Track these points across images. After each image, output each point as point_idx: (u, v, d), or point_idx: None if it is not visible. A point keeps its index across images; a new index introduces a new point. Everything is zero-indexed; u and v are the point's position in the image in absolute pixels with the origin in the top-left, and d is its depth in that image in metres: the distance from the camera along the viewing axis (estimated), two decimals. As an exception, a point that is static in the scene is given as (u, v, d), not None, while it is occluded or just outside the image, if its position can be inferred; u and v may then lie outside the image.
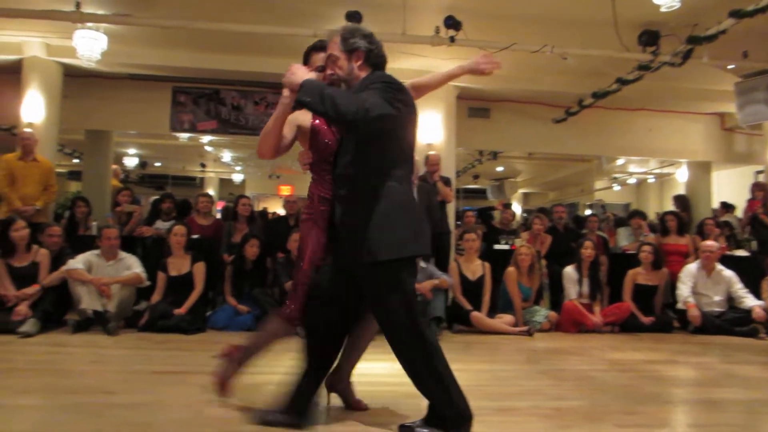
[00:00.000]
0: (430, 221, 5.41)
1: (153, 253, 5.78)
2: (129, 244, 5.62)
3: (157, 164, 15.47)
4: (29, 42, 6.82)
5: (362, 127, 2.11)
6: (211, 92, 7.99)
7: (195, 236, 5.58)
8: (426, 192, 5.59)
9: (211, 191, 14.96)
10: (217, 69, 7.20)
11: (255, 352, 2.63)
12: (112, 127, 8.70)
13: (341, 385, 2.63)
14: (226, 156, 13.49)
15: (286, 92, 2.26)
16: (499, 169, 14.45)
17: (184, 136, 9.69)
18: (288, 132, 2.43)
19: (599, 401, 2.93)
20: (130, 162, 13.91)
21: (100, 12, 5.69)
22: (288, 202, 6.53)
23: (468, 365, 3.71)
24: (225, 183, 16.58)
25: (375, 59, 2.32)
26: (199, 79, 7.81)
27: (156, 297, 5.00)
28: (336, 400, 2.65)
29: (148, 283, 5.01)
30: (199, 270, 5.09)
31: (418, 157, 5.99)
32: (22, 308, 4.48)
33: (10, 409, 2.48)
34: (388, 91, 2.15)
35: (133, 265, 4.97)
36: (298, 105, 2.25)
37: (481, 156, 12.05)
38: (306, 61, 2.56)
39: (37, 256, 4.82)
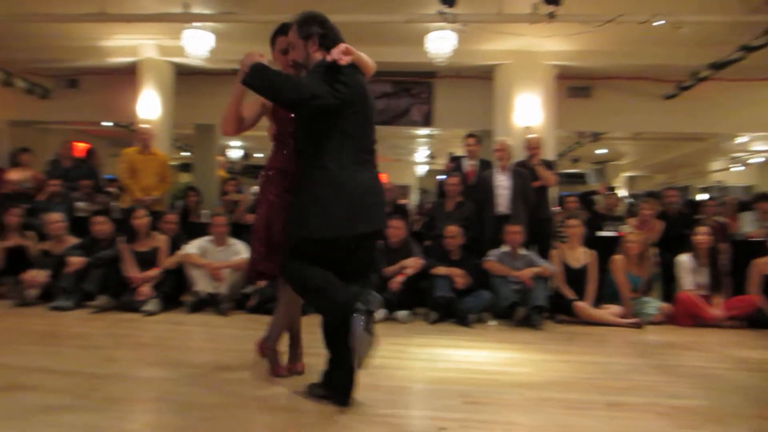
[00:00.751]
0: (524, 207, 5.30)
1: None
2: (236, 230, 5.93)
3: (259, 155, 16.19)
4: (143, 44, 7.34)
5: (300, 107, 2.30)
6: (307, 84, 8.24)
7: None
8: (521, 177, 5.43)
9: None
10: (314, 61, 7.38)
11: (280, 331, 2.92)
12: (219, 121, 9.19)
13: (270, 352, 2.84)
14: (324, 145, 13.81)
15: (240, 75, 2.40)
16: (601, 151, 13.72)
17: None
18: (250, 110, 2.64)
19: (726, 402, 2.68)
20: (234, 154, 14.67)
21: (206, 12, 6.00)
22: (387, 190, 6.60)
23: (574, 356, 3.58)
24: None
25: (329, 43, 2.42)
26: (297, 72, 8.05)
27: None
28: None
29: (256, 268, 5.25)
30: (302, 255, 5.26)
31: (513, 141, 5.86)
32: (145, 289, 4.87)
33: (139, 380, 2.70)
34: (328, 73, 2.30)
35: (241, 251, 5.23)
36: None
37: (581, 138, 11.50)
38: (272, 45, 2.73)
39: (157, 242, 5.20)
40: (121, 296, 4.86)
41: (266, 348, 2.89)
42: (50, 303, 4.77)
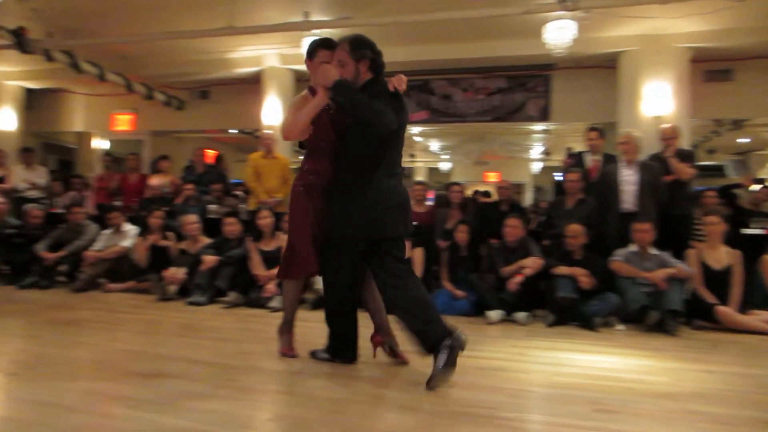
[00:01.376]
0: (653, 204, 4.91)
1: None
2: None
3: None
4: (266, 54, 7.76)
5: (373, 128, 2.57)
6: (421, 83, 8.24)
7: (414, 223, 5.80)
8: (650, 171, 5.04)
9: (415, 180, 15.51)
10: (426, 60, 7.38)
11: (291, 319, 3.16)
12: (335, 124, 9.49)
13: (387, 338, 3.01)
14: (434, 145, 13.84)
15: (321, 90, 2.65)
16: (743, 140, 12.42)
17: (396, 128, 10.13)
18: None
19: None
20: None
21: (325, 18, 6.21)
22: (500, 188, 6.43)
23: (719, 366, 3.25)
24: (433, 172, 17.06)
25: (378, 68, 2.77)
26: (410, 72, 8.05)
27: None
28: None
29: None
30: (417, 255, 5.28)
31: (640, 133, 5.45)
32: (271, 287, 5.12)
33: (270, 372, 2.83)
34: (392, 100, 2.63)
35: (358, 250, 5.35)
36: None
37: (718, 127, 10.47)
38: (311, 55, 2.88)
39: (281, 241, 5.46)
40: (249, 293, 5.16)
41: (379, 339, 3.05)
42: (187, 298, 5.18)
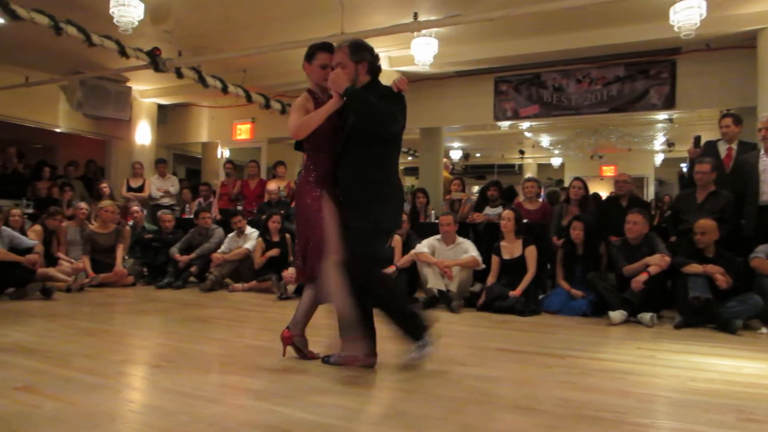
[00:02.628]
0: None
1: (484, 238, 6.08)
2: (462, 229, 6.02)
3: (477, 155, 16.33)
4: (375, 57, 7.91)
5: (385, 130, 2.71)
6: (531, 77, 7.99)
7: (525, 221, 5.65)
8: (740, 162, 4.54)
9: (526, 176, 15.07)
10: (537, 52, 7.15)
11: (305, 321, 3.06)
12: (443, 123, 9.45)
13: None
14: (545, 141, 13.37)
15: (335, 95, 2.76)
16: None
17: (504, 124, 9.93)
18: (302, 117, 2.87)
19: None
20: (455, 155, 15.00)
21: (433, 18, 6.21)
22: (619, 182, 6.07)
23: None
24: (543, 168, 16.50)
25: (376, 70, 2.88)
26: (520, 66, 7.89)
27: (491, 279, 5.23)
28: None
29: (483, 266, 5.28)
30: (531, 253, 5.13)
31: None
32: (383, 286, 5.22)
33: (387, 369, 2.87)
34: (397, 102, 2.73)
35: (469, 249, 5.30)
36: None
37: None
38: (310, 58, 2.98)
39: (392, 242, 5.55)
40: (362, 291, 5.28)
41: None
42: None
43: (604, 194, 11.15)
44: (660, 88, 7.34)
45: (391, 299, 2.87)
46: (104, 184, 8.56)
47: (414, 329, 2.76)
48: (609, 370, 2.93)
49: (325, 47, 2.98)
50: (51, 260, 6.04)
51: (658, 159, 13.94)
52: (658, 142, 12.38)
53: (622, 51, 7.05)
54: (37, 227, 6.15)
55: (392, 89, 2.77)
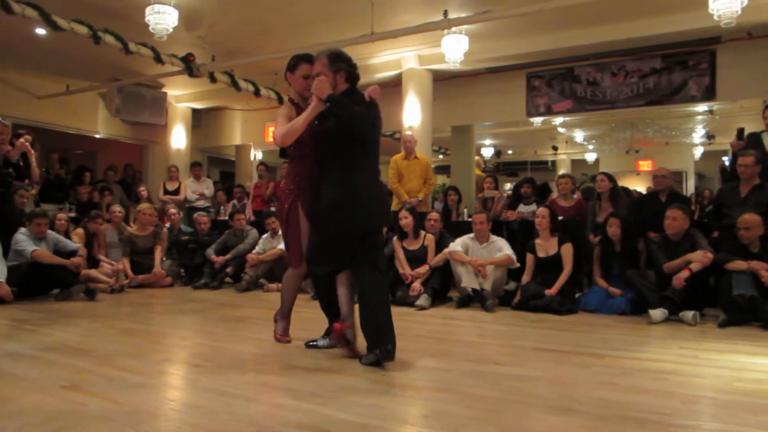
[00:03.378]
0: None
1: (518, 236, 6.01)
2: (495, 227, 5.96)
3: (509, 152, 16.14)
4: (406, 56, 7.90)
5: (363, 135, 2.93)
6: (564, 71, 7.87)
7: (560, 218, 5.56)
8: None
9: (560, 173, 14.82)
10: (570, 46, 7.03)
11: (288, 307, 3.42)
12: (474, 121, 9.38)
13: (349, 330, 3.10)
14: (579, 136, 13.13)
15: (316, 100, 2.89)
16: None
17: (537, 120, 9.80)
18: (285, 125, 3.03)
19: None
20: (487, 152, 14.87)
21: (463, 15, 6.16)
22: (658, 177, 5.91)
23: None
24: (577, 164, 16.20)
25: (354, 78, 3.05)
26: (552, 61, 7.77)
27: (526, 277, 5.16)
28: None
29: (518, 264, 5.21)
30: (567, 251, 5.05)
31: None
32: (416, 285, 5.20)
33: (423, 369, 2.86)
34: (370, 109, 2.97)
35: (503, 248, 5.24)
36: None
37: None
38: (293, 68, 3.18)
39: (425, 241, 5.53)
40: (395, 292, 5.28)
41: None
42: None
43: (640, 189, 10.94)
44: (699, 79, 7.13)
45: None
46: (142, 188, 8.78)
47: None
48: (651, 370, 2.86)
49: (307, 58, 3.17)
50: (93, 262, 6.22)
51: (698, 152, 13.55)
52: (698, 134, 12.03)
53: (658, 42, 6.87)
54: (80, 230, 6.34)
55: (365, 98, 2.97)
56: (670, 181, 5.88)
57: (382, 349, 2.78)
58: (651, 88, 7.40)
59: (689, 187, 13.37)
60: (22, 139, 6.18)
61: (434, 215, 5.86)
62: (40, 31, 6.83)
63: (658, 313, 4.29)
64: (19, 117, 8.73)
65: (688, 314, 4.23)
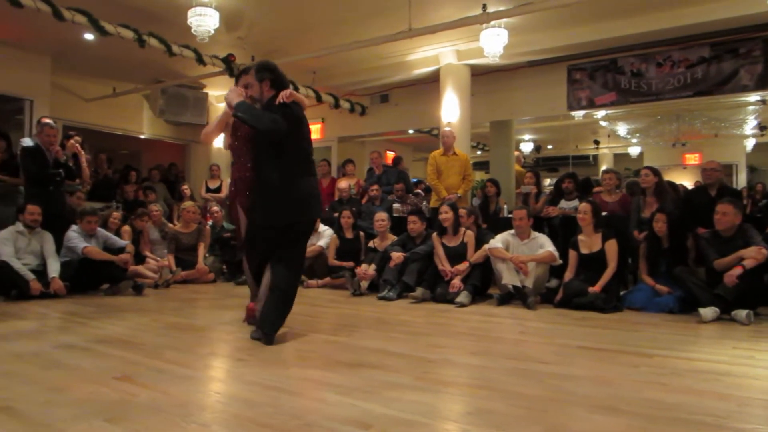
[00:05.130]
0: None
1: (560, 232, 5.90)
2: (536, 223, 5.87)
3: (549, 147, 15.84)
4: (443, 52, 7.84)
5: (272, 135, 3.21)
6: (607, 63, 7.66)
7: (604, 213, 5.43)
8: None
9: (605, 167, 14.45)
10: (613, 37, 6.84)
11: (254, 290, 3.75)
12: (514, 116, 9.24)
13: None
14: (622, 129, 12.78)
15: (226, 107, 3.39)
16: None
17: (578, 114, 9.59)
18: (219, 128, 3.76)
19: None
20: (526, 147, 14.63)
21: (502, 8, 6.07)
22: (707, 171, 5.70)
23: None
24: (620, 158, 15.78)
25: (279, 85, 3.38)
26: (594, 52, 7.57)
27: (569, 275, 5.07)
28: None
29: (560, 261, 5.12)
30: (612, 247, 4.93)
31: None
32: (456, 282, 5.17)
33: (464, 366, 2.84)
34: (281, 110, 3.25)
35: (545, 244, 5.15)
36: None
37: None
38: (237, 79, 3.64)
39: (465, 237, 5.48)
40: (435, 288, 5.26)
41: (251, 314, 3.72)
42: (377, 293, 5.44)
43: (687, 184, 10.57)
44: (751, 67, 6.82)
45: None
46: (185, 186, 8.98)
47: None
48: (702, 370, 2.76)
49: (246, 71, 3.60)
50: (139, 258, 6.41)
51: (749, 144, 13.01)
52: (749, 125, 11.54)
53: (706, 30, 6.62)
54: (127, 228, 6.55)
55: (282, 102, 3.29)
56: (720, 175, 5.67)
57: (263, 332, 3.26)
58: (699, 78, 7.13)
59: (740, 181, 12.86)
60: (72, 141, 6.41)
61: (381, 215, 6.11)
62: (89, 36, 7.06)
63: (708, 312, 4.15)
64: (69, 119, 9.06)
65: (741, 313, 4.07)
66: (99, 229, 5.74)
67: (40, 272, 5.18)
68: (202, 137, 3.84)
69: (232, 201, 3.79)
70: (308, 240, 3.80)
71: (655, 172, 5.63)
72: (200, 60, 7.26)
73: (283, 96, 3.30)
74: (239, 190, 3.67)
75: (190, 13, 5.91)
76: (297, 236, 3.44)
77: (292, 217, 3.34)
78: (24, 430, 1.86)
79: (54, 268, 5.20)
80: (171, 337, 3.49)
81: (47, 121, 5.97)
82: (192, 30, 5.97)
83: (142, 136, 10.80)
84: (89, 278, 5.52)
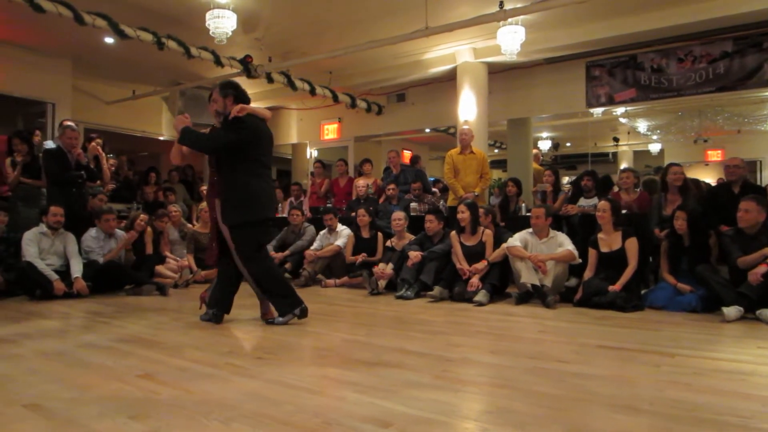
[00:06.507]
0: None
1: (579, 230, 5.84)
2: (555, 222, 5.81)
3: (568, 144, 15.68)
4: (460, 50, 7.81)
5: (215, 150, 3.82)
6: (627, 59, 7.57)
7: (624, 211, 5.37)
8: None
9: (624, 165, 14.27)
10: (632, 33, 6.76)
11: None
12: (532, 114, 9.18)
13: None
14: (642, 126, 12.62)
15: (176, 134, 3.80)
16: None
17: (597, 111, 9.48)
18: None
19: None
20: (544, 145, 14.51)
21: (519, 5, 6.04)
22: (730, 168, 5.60)
23: None
24: (640, 155, 15.56)
25: (239, 100, 3.82)
26: (613, 48, 7.49)
27: (588, 273, 5.01)
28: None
29: (579, 260, 5.07)
30: (632, 246, 4.87)
31: None
32: (475, 280, 5.15)
33: (484, 365, 2.83)
34: (234, 124, 3.73)
35: (564, 242, 5.11)
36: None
37: None
38: (209, 99, 3.94)
39: (483, 236, 5.46)
40: (453, 287, 5.25)
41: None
42: (395, 293, 5.44)
43: (709, 181, 10.40)
44: (776, 60, 6.70)
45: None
46: (204, 187, 9.06)
47: (292, 304, 3.90)
48: (726, 370, 2.72)
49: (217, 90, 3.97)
50: (160, 258, 6.49)
51: (774, 140, 12.76)
52: (773, 121, 11.33)
53: (729, 24, 6.51)
54: (148, 228, 6.63)
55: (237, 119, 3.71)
56: (744, 171, 5.56)
57: (214, 312, 3.98)
58: (722, 73, 7.01)
59: (764, 178, 12.61)
60: (93, 143, 6.51)
61: (399, 214, 6.10)
62: (109, 39, 7.17)
63: (732, 311, 4.08)
64: (90, 121, 9.21)
65: (766, 312, 4.00)
66: (117, 230, 5.84)
67: (64, 272, 5.28)
68: (171, 157, 4.17)
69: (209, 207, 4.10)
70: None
71: (681, 170, 5.54)
72: (218, 62, 7.33)
73: (234, 110, 3.73)
74: (210, 195, 4.02)
75: (208, 15, 5.97)
76: (234, 234, 3.87)
77: (231, 219, 3.80)
78: (51, 427, 1.89)
79: (77, 269, 5.29)
80: (191, 336, 3.53)
81: (69, 123, 6.08)
82: (210, 32, 6.03)
83: (161, 138, 10.93)
84: (112, 280, 5.60)
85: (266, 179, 3.90)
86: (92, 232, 5.72)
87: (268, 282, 3.90)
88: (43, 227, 5.36)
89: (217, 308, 4.01)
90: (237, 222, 3.77)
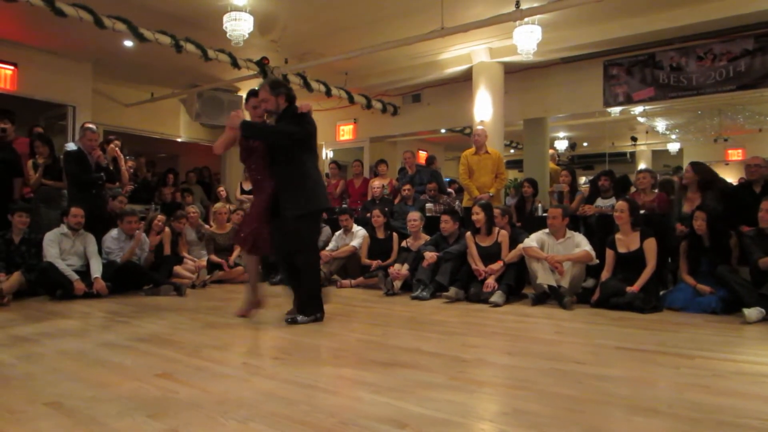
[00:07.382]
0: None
1: (596, 231, 5.79)
2: (572, 222, 5.77)
3: (585, 144, 15.54)
4: (476, 50, 7.79)
5: (280, 141, 3.87)
6: (645, 58, 7.48)
7: (642, 212, 5.31)
8: None
9: (642, 165, 14.10)
10: (651, 31, 6.69)
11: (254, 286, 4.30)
12: (548, 113, 9.11)
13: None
14: (661, 125, 12.47)
15: (229, 129, 3.88)
16: None
17: (615, 110, 9.39)
18: (231, 140, 4.01)
19: None
20: (560, 145, 14.39)
21: (536, 4, 6.00)
22: (751, 167, 5.51)
23: None
24: (658, 155, 15.36)
25: (290, 97, 3.95)
26: (631, 47, 7.41)
27: (606, 274, 4.97)
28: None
29: (597, 261, 5.03)
30: (650, 246, 4.81)
31: None
32: (490, 281, 5.13)
33: (499, 366, 2.82)
34: (299, 118, 3.87)
35: (581, 243, 5.07)
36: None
37: None
38: (246, 101, 4.19)
39: (499, 237, 5.43)
40: (469, 288, 5.23)
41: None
42: (411, 293, 5.44)
43: (730, 180, 10.23)
44: (798, 59, 6.58)
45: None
46: (221, 188, 9.15)
47: (317, 306, 4.01)
48: (747, 372, 2.67)
49: (254, 93, 4.09)
50: (178, 259, 6.56)
51: (795, 139, 12.52)
52: (795, 120, 11.12)
53: (750, 21, 6.40)
54: (167, 229, 6.71)
55: (298, 113, 3.86)
56: (765, 171, 5.47)
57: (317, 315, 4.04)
58: (742, 71, 6.90)
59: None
60: (112, 145, 6.61)
61: (414, 215, 6.12)
62: (128, 43, 7.26)
63: (753, 313, 4.01)
64: (109, 124, 9.34)
65: (788, 314, 3.93)
66: (138, 232, 5.92)
67: (84, 273, 5.36)
68: (213, 148, 4.22)
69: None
70: None
71: (697, 170, 5.46)
72: (235, 64, 7.39)
73: (303, 108, 3.88)
74: (256, 191, 4.15)
75: (225, 18, 6.02)
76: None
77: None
78: (72, 425, 1.93)
79: (96, 269, 5.37)
80: (209, 336, 3.56)
81: (89, 125, 6.17)
82: (227, 34, 6.09)
83: (179, 140, 11.05)
84: (131, 280, 5.68)
85: (319, 171, 4.13)
86: (113, 233, 5.81)
87: (311, 276, 3.97)
88: (63, 228, 5.44)
89: (315, 309, 4.02)
90: (305, 211, 3.87)
